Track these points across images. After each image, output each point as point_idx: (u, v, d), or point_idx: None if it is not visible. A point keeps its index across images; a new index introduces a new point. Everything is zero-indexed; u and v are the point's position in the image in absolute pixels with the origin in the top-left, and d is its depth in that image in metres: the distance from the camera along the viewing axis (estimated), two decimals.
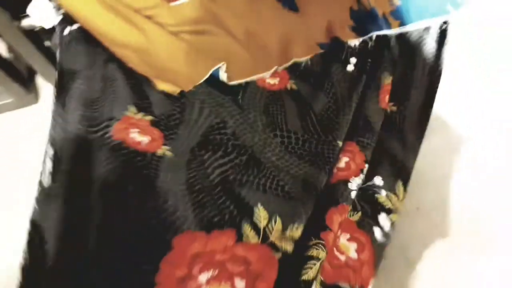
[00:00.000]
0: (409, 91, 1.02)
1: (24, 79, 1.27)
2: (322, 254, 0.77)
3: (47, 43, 1.20)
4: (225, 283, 0.69)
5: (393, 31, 1.04)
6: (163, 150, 0.81)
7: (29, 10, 1.02)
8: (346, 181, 0.86)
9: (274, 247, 0.75)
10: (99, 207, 0.71)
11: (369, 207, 0.85)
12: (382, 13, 1.03)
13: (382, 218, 0.84)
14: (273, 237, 0.76)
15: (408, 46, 1.04)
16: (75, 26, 0.95)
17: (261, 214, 0.77)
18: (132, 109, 0.85)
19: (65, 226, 0.67)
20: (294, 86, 1.01)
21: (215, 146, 0.85)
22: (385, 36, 1.05)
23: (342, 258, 0.79)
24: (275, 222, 0.77)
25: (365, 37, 1.05)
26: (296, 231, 0.77)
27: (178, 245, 0.70)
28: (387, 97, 0.99)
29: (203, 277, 0.69)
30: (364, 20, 1.06)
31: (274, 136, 0.90)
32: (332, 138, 0.91)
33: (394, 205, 0.87)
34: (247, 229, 0.75)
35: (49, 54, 1.16)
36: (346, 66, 1.04)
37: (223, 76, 0.96)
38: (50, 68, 1.18)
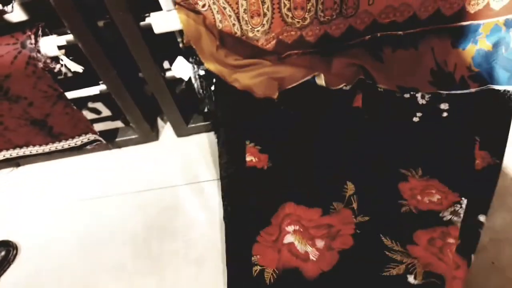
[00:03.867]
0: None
1: (151, 119, 1.56)
2: (401, 265, 1.01)
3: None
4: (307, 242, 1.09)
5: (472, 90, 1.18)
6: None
7: (173, 66, 1.31)
8: (437, 212, 1.08)
9: (354, 212, 1.10)
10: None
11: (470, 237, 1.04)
12: (460, 76, 1.19)
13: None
14: (355, 204, 1.12)
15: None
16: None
17: (349, 187, 1.15)
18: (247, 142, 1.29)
19: None
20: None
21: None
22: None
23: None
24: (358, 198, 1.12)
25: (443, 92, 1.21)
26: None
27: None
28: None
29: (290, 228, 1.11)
30: (442, 78, 1.22)
31: None
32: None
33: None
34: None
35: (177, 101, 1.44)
36: (412, 118, 1.23)
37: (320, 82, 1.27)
38: (175, 112, 1.46)
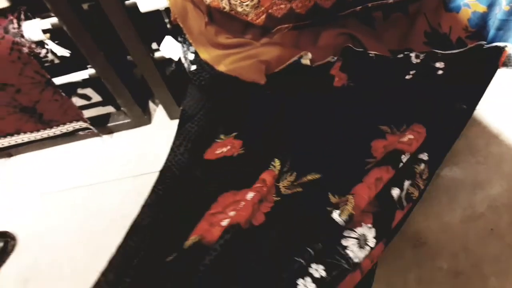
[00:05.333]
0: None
1: (143, 102, 1.53)
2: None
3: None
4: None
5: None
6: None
7: (162, 46, 1.28)
8: (401, 152, 1.00)
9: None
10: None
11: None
12: (457, 37, 1.17)
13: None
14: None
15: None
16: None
17: (275, 164, 1.08)
18: (222, 136, 1.24)
19: None
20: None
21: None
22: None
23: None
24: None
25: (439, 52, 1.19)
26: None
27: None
28: None
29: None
30: (437, 39, 1.20)
31: None
32: None
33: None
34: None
35: (168, 82, 1.41)
36: (405, 76, 1.19)
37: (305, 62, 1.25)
38: (166, 94, 1.43)
